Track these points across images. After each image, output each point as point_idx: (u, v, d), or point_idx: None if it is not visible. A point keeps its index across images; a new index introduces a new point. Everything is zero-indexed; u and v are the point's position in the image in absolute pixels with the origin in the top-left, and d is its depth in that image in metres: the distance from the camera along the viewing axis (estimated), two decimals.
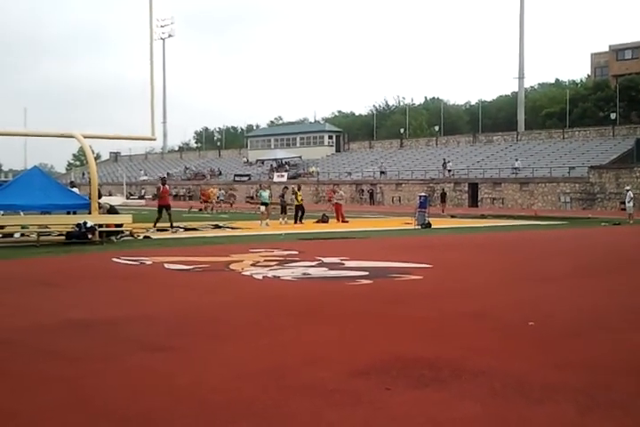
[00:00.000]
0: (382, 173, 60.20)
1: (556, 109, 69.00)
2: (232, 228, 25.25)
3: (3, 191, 18.44)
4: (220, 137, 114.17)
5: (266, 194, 28.41)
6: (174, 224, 23.21)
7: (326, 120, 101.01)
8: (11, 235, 18.95)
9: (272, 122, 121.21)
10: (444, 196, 42.79)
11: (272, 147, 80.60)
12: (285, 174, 68.10)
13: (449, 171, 55.57)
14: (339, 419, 4.22)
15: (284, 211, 28.56)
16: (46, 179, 20.11)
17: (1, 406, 4.48)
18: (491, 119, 79.30)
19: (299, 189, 29.93)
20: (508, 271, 12.26)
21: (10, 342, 6.36)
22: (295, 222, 27.42)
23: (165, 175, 32.50)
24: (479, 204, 51.56)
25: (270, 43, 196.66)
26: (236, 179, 72.21)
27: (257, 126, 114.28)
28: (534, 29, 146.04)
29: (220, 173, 77.98)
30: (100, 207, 19.83)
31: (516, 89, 69.14)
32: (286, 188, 32.38)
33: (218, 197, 42.36)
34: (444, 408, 4.41)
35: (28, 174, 19.93)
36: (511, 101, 77.66)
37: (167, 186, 25.27)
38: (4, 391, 4.82)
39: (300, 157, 74.59)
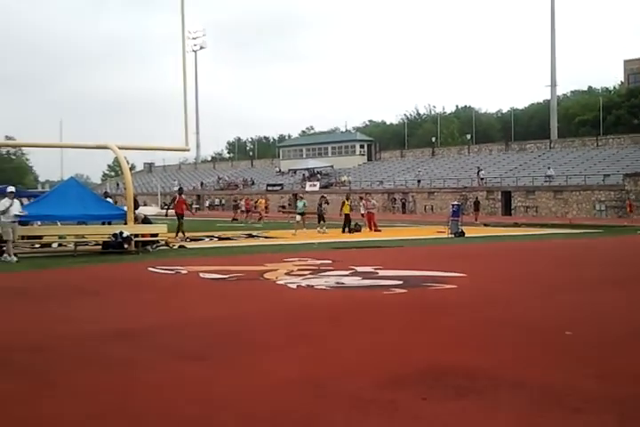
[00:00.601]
0: (419, 181, 59.86)
1: (589, 117, 68.27)
2: (266, 237, 25.38)
3: (41, 202, 18.77)
4: (252, 147, 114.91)
5: (301, 204, 28.66)
6: (183, 235, 23.28)
7: (358, 129, 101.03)
8: (49, 245, 19.29)
9: (304, 132, 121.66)
10: (477, 204, 42.51)
11: (304, 156, 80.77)
12: (317, 184, 68.23)
13: (482, 179, 55.20)
14: None
15: (321, 220, 28.66)
16: (82, 189, 20.45)
17: (45, 413, 4.57)
18: (523, 127, 78.70)
19: (347, 199, 29.84)
20: (543, 280, 12.14)
21: (51, 351, 6.47)
22: (343, 231, 27.46)
23: (181, 186, 32.92)
24: (512, 212, 51.10)
25: (301, 53, 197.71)
26: (269, 188, 72.55)
27: (289, 136, 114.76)
28: (566, 36, 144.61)
29: (253, 183, 78.41)
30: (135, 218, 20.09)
31: (549, 97, 68.58)
32: (323, 197, 32.57)
33: (255, 208, 42.40)
34: (482, 419, 4.39)
35: (64, 185, 20.26)
36: (543, 109, 76.96)
37: (183, 196, 25.74)
38: (47, 399, 4.91)
39: (332, 166, 74.68)
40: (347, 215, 28.32)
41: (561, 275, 12.96)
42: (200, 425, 4.35)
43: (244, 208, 42.25)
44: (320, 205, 29.84)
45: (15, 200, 16.54)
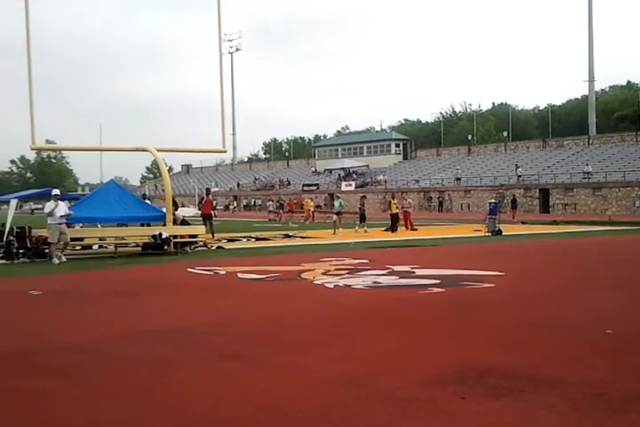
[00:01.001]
0: (458, 179, 59.43)
1: (629, 112, 67.21)
2: (302, 237, 25.47)
3: (81, 204, 19.09)
4: (288, 147, 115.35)
5: (337, 203, 28.75)
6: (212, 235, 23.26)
7: (393, 128, 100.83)
8: (90, 246, 19.62)
9: (339, 131, 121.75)
10: (514, 202, 42.12)
11: (339, 156, 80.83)
12: (353, 183, 68.23)
13: (519, 176, 54.65)
14: None
15: (363, 219, 28.67)
16: (122, 192, 20.75)
17: (88, 413, 4.67)
18: (561, 123, 77.78)
19: (393, 198, 29.74)
20: (582, 278, 12.02)
21: (95, 352, 6.59)
22: (392, 231, 27.27)
23: (210, 187, 32.75)
24: (550, 209, 50.51)
25: (336, 53, 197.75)
26: (305, 188, 72.74)
27: (324, 136, 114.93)
28: (604, 30, 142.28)
29: (289, 183, 78.71)
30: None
31: (586, 92, 67.59)
32: (364, 197, 32.67)
33: (302, 207, 42.25)
34: (522, 418, 4.37)
35: (105, 188, 20.57)
36: (581, 105, 75.97)
37: (210, 196, 25.86)
38: (91, 399, 5.01)
39: (368, 165, 74.62)
40: (393, 215, 28.13)
41: (601, 273, 12.80)
42: (239, 424, 4.40)
43: (287, 209, 42.10)
44: (362, 204, 29.93)
45: (60, 202, 16.82)
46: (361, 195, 35.20)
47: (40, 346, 6.87)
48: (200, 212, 25.71)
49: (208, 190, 27.02)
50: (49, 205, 16.60)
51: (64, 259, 16.28)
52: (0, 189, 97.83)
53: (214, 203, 30.48)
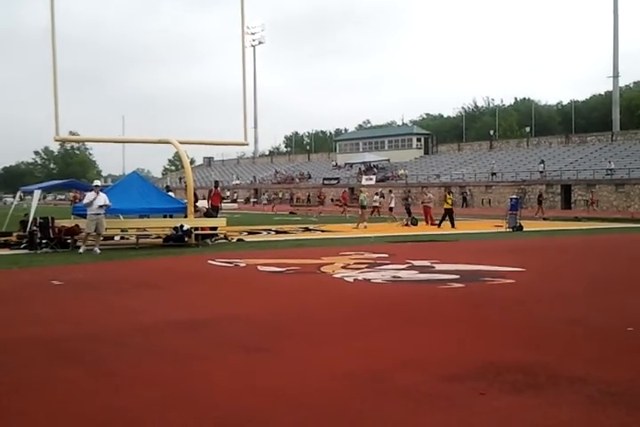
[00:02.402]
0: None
1: None
2: (322, 231, 25.50)
3: None
4: (309, 141, 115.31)
5: (362, 197, 28.90)
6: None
7: (414, 123, 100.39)
8: (111, 237, 19.77)
9: (360, 126, 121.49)
10: (540, 198, 41.86)
11: (360, 150, 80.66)
12: (374, 177, 68.07)
13: (541, 172, 54.22)
14: (435, 423, 4.26)
15: (409, 213, 29.09)
16: (145, 183, 20.88)
17: (110, 402, 4.73)
18: (584, 119, 77.01)
19: (449, 193, 29.20)
20: (603, 275, 11.92)
21: (114, 341, 6.67)
22: (452, 226, 26.29)
23: (217, 180, 32.71)
24: (572, 206, 50.10)
25: (358, 47, 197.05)
26: (325, 182, 72.72)
27: (345, 130, 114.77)
28: (629, 26, 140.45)
29: (310, 177, 78.70)
30: (196, 211, 20.45)
31: (610, 88, 66.83)
32: (408, 191, 32.94)
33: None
34: (542, 414, 4.37)
35: (127, 179, 20.73)
36: (605, 101, 75.13)
37: (219, 189, 26.22)
38: (113, 389, 5.08)
39: (389, 160, 74.39)
40: (447, 209, 27.06)
41: (622, 270, 12.70)
42: (260, 416, 4.43)
43: (342, 202, 39.56)
44: (406, 199, 30.46)
45: (101, 193, 16.96)
46: (407, 189, 35.52)
47: (63, 335, 6.96)
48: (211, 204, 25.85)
49: (216, 183, 27.41)
50: (89, 196, 16.84)
51: (98, 251, 16.30)
52: (24, 180, 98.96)
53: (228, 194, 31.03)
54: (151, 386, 5.12)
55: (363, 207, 27.97)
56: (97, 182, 17.55)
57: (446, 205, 27.36)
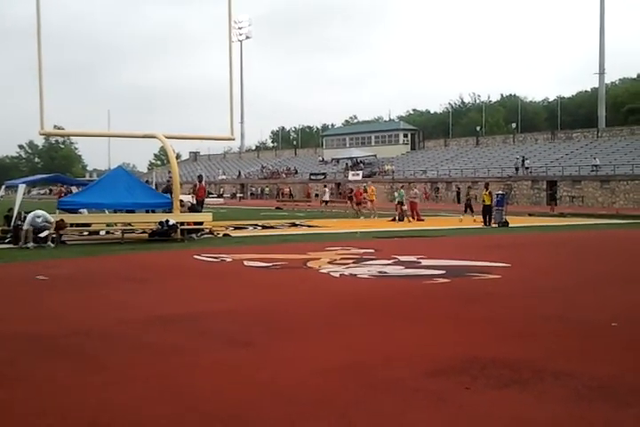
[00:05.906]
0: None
1: (639, 105, 66.73)
2: (309, 226, 25.48)
3: (89, 190, 19.14)
4: (295, 136, 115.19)
5: (397, 194, 29.97)
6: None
7: (401, 118, 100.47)
8: (97, 232, 19.66)
9: (347, 121, 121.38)
10: (554, 195, 42.39)
11: (347, 146, 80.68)
12: (360, 173, 68.07)
13: (526, 168, 54.34)
14: (421, 417, 4.27)
15: (470, 209, 29.38)
16: (130, 178, 20.76)
17: (98, 397, 4.71)
18: (570, 116, 77.34)
19: (486, 189, 27.57)
20: (588, 271, 12.00)
21: (100, 336, 6.64)
22: (486, 224, 25.63)
23: (202, 174, 32.60)
24: (558, 202, 50.32)
25: (345, 43, 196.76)
26: (312, 177, 72.67)
27: (332, 125, 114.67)
28: (615, 23, 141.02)
29: (296, 172, 78.62)
30: (182, 205, 20.36)
31: (596, 85, 67.05)
32: (470, 188, 34.68)
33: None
34: (526, 409, 4.39)
35: (113, 174, 20.59)
36: (591, 97, 75.47)
37: (203, 183, 26.46)
38: (100, 383, 5.05)
39: (375, 155, 74.44)
40: (486, 206, 26.19)
41: (607, 266, 12.78)
42: (246, 409, 4.43)
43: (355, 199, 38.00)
44: (467, 194, 31.73)
45: None
46: (467, 186, 37.70)
47: (49, 330, 6.92)
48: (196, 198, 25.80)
49: (200, 177, 27.62)
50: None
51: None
52: (8, 174, 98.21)
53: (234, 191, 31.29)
54: (137, 381, 5.10)
55: (400, 204, 28.65)
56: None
57: (485, 202, 26.38)
